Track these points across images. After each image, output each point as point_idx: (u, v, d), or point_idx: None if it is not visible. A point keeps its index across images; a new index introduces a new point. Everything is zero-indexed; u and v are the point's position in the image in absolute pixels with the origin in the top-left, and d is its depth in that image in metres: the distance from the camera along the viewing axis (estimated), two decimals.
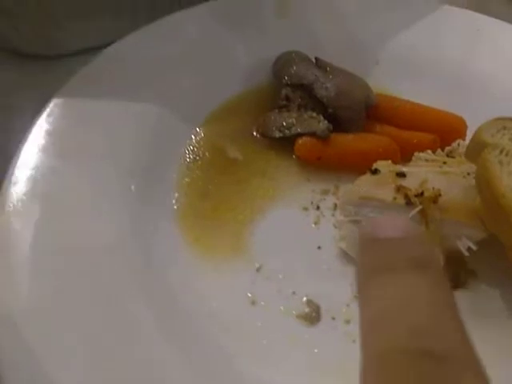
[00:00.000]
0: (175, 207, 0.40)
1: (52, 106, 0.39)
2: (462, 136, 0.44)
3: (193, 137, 0.44)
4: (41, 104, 0.42)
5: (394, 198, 0.36)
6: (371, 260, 0.18)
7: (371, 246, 0.18)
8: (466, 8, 0.58)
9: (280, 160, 0.44)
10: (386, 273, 0.17)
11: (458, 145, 0.42)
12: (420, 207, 0.35)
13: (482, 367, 0.16)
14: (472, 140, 0.34)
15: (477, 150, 0.32)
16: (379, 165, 0.39)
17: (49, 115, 0.39)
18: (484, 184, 0.31)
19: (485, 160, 0.31)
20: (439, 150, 0.42)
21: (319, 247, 0.38)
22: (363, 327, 0.17)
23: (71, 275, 0.33)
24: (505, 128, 0.32)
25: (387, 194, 0.37)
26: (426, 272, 0.17)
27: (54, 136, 0.38)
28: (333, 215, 0.41)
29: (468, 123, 0.45)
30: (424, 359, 0.15)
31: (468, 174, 0.38)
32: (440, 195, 0.35)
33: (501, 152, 0.31)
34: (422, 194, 0.35)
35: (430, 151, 0.42)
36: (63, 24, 0.48)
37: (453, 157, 0.41)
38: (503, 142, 0.32)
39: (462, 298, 0.37)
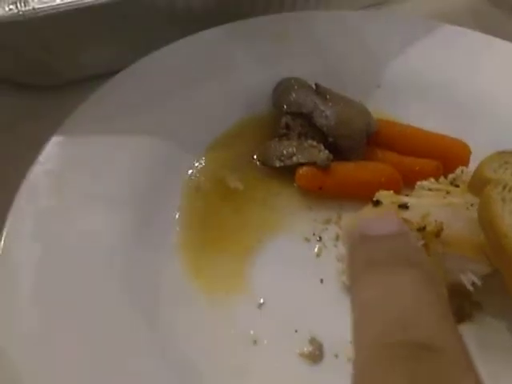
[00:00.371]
0: (175, 240, 0.39)
1: (51, 146, 0.40)
2: (466, 162, 0.43)
3: (193, 167, 0.44)
4: (42, 135, 0.43)
5: None
6: (362, 256, 0.19)
7: (362, 242, 0.19)
8: (472, 25, 0.59)
9: (281, 188, 0.44)
10: (376, 269, 0.18)
11: (462, 172, 0.42)
12: (422, 242, 0.34)
13: (471, 361, 0.16)
14: (474, 174, 0.33)
15: (479, 185, 0.32)
16: (381, 195, 0.39)
17: (48, 155, 0.39)
18: (486, 222, 0.30)
19: (487, 197, 0.30)
20: (442, 178, 0.41)
21: (322, 280, 0.38)
22: (354, 322, 0.18)
23: (70, 308, 0.34)
24: (507, 162, 0.32)
25: None
26: (414, 269, 0.17)
27: (54, 175, 0.38)
28: (335, 246, 0.40)
29: (472, 149, 0.44)
30: (402, 350, 0.16)
31: (471, 205, 0.37)
32: (442, 229, 0.34)
33: (503, 188, 0.30)
34: (424, 228, 0.35)
35: (433, 179, 0.41)
36: (62, 54, 0.48)
37: (456, 185, 0.40)
38: (506, 177, 0.31)
39: (467, 331, 0.36)
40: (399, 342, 0.16)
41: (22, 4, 0.38)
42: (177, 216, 0.41)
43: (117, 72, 0.46)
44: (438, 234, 0.34)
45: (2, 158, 0.47)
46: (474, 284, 0.34)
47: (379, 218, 0.21)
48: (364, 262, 0.18)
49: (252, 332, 0.35)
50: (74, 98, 0.47)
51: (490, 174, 0.32)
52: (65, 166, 0.40)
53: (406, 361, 0.15)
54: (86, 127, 0.42)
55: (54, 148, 0.40)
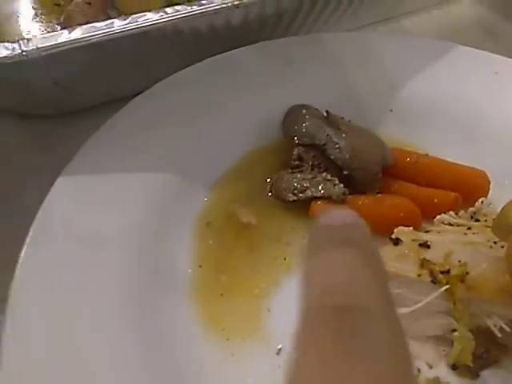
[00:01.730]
0: (187, 283, 0.38)
1: (57, 186, 0.38)
2: (485, 193, 0.42)
3: (203, 203, 0.43)
4: (51, 168, 0.41)
5: (419, 275, 0.34)
6: (313, 241, 0.20)
7: (320, 231, 0.21)
8: (482, 39, 0.57)
9: (295, 222, 0.43)
10: (321, 250, 0.20)
11: (482, 203, 0.41)
12: (447, 286, 0.33)
13: (398, 321, 0.18)
14: (499, 217, 0.32)
15: (505, 230, 0.31)
16: (400, 233, 0.38)
17: (55, 196, 0.38)
18: None
19: None
20: (462, 212, 0.40)
21: None
22: (300, 295, 0.19)
23: (81, 362, 0.32)
24: None
25: (411, 269, 0.35)
26: (360, 248, 0.19)
27: (62, 218, 0.37)
28: None
29: (490, 177, 0.43)
30: (336, 312, 0.17)
31: (495, 242, 0.36)
32: (467, 273, 0.33)
33: None
34: (448, 271, 0.34)
35: (452, 213, 0.40)
36: (73, 88, 0.47)
37: (477, 219, 0.39)
38: None
39: (494, 376, 0.35)
40: (329, 307, 0.17)
41: (26, 42, 0.37)
42: (188, 256, 0.40)
43: (122, 100, 0.45)
44: (463, 277, 0.33)
45: (3, 190, 0.46)
46: (501, 328, 0.33)
47: (336, 211, 0.22)
48: (313, 246, 0.20)
49: (271, 381, 0.34)
50: (78, 128, 0.46)
51: None
52: (73, 207, 0.39)
53: (331, 324, 0.17)
54: (93, 165, 0.40)
55: (61, 188, 0.39)
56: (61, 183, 0.39)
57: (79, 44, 0.37)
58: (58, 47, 0.37)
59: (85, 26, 0.38)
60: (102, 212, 0.38)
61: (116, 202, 0.39)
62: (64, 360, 0.32)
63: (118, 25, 0.38)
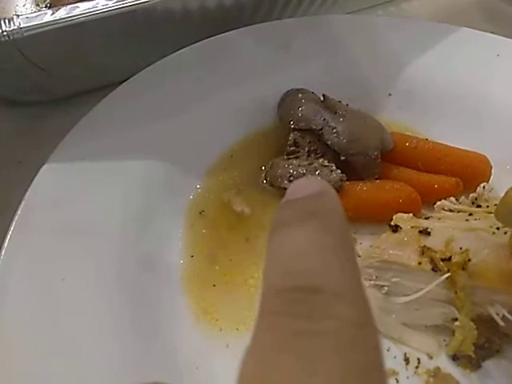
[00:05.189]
0: (180, 274, 0.37)
1: (43, 173, 0.37)
2: (487, 178, 0.40)
3: (195, 191, 0.41)
4: (37, 155, 0.40)
5: (419, 263, 0.33)
6: (277, 218, 0.19)
7: (283, 205, 0.20)
8: (483, 24, 0.55)
9: None
10: (282, 228, 0.18)
11: (483, 188, 0.39)
12: (448, 274, 0.32)
13: (362, 297, 0.17)
14: (502, 203, 0.30)
15: (509, 215, 0.29)
16: (399, 220, 0.36)
17: (41, 184, 0.36)
18: None
19: None
20: (463, 198, 0.38)
21: None
22: (262, 277, 0.18)
23: (70, 353, 0.31)
24: None
25: (411, 257, 0.34)
26: (315, 219, 0.18)
27: (48, 207, 0.36)
28: None
29: (492, 162, 0.41)
30: (294, 294, 0.16)
31: (497, 228, 0.34)
32: (469, 260, 0.32)
33: None
34: (449, 258, 0.32)
35: (453, 199, 0.39)
36: (56, 72, 0.45)
37: (479, 205, 0.38)
38: None
39: (497, 365, 0.34)
40: (290, 288, 0.17)
41: (7, 23, 0.35)
42: (180, 246, 0.38)
43: (110, 86, 0.43)
44: (464, 265, 0.32)
45: None
46: (504, 317, 0.32)
47: (302, 182, 0.20)
48: (277, 223, 0.19)
49: None
50: (65, 115, 0.44)
51: None
52: (60, 195, 0.37)
53: (290, 304, 0.16)
54: (80, 152, 0.39)
55: (47, 176, 0.37)
56: (46, 171, 0.37)
57: (63, 24, 0.35)
58: (42, 27, 0.35)
59: (69, 6, 0.36)
60: (89, 200, 0.37)
61: (104, 191, 0.38)
62: (52, 352, 0.31)
63: (102, 4, 0.36)
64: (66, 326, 0.32)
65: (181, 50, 0.45)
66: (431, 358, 0.34)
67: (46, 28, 0.35)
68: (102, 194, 0.37)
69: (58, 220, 0.35)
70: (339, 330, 0.15)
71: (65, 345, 0.32)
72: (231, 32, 0.47)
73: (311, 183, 0.20)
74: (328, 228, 0.18)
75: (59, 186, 0.37)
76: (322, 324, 0.16)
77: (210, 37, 0.47)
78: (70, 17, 0.35)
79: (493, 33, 0.48)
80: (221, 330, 0.35)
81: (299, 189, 0.20)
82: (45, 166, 0.37)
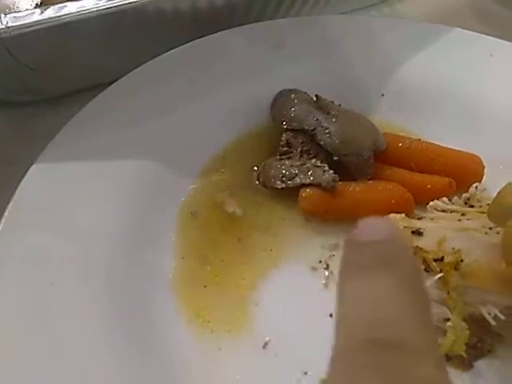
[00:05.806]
0: (171, 276, 0.36)
1: (32, 174, 0.36)
2: (480, 178, 0.40)
3: (188, 192, 0.41)
4: (26, 156, 0.39)
5: None
6: (349, 260, 0.19)
7: (354, 247, 0.19)
8: (476, 25, 0.56)
9: (284, 212, 0.41)
10: (359, 272, 0.19)
11: (476, 189, 0.39)
12: (440, 274, 0.32)
13: (441, 358, 0.18)
14: (494, 202, 0.30)
15: (502, 215, 0.29)
16: (392, 220, 0.36)
17: (29, 184, 0.36)
18: None
19: None
20: (456, 198, 0.38)
21: (331, 315, 0.35)
22: (335, 323, 0.18)
23: (57, 351, 0.31)
24: None
25: None
26: (393, 270, 0.18)
27: (36, 207, 0.35)
28: None
29: (485, 162, 0.41)
30: (376, 348, 0.16)
31: (490, 228, 0.34)
32: (462, 260, 0.32)
33: None
34: (441, 259, 0.32)
35: (446, 199, 0.38)
36: (46, 72, 0.44)
37: (471, 205, 0.38)
38: None
39: (488, 365, 0.34)
40: (373, 339, 0.17)
41: None
42: (172, 247, 0.38)
43: (101, 86, 0.43)
44: (457, 265, 0.32)
45: None
46: (495, 316, 0.32)
47: (369, 224, 0.20)
48: (350, 265, 0.19)
49: (257, 375, 0.33)
50: (56, 115, 0.44)
51: None
52: (49, 196, 0.37)
53: (373, 356, 0.16)
54: (69, 152, 0.38)
55: (35, 176, 0.37)
56: (35, 171, 0.37)
57: (51, 24, 0.35)
58: (30, 26, 0.35)
59: (57, 6, 0.35)
60: (79, 201, 0.36)
61: (93, 192, 0.37)
62: (42, 357, 0.30)
63: (92, 4, 0.36)
64: (57, 329, 0.32)
65: (172, 50, 0.44)
66: None
67: (34, 27, 0.35)
68: (92, 196, 0.37)
69: (47, 221, 0.35)
70: None
71: (55, 348, 0.31)
72: (223, 32, 0.47)
73: (383, 225, 0.20)
74: (409, 279, 0.18)
75: (48, 187, 0.36)
76: (404, 382, 0.16)
77: (201, 37, 0.46)
78: (59, 16, 0.35)
79: (486, 34, 0.49)
80: (212, 331, 0.34)
81: (371, 229, 0.19)
82: (33, 167, 0.37)
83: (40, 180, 0.37)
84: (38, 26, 0.35)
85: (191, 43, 0.46)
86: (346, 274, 0.19)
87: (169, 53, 0.45)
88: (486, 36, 0.47)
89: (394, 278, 0.18)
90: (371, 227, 0.20)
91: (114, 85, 0.42)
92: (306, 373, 0.33)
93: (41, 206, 0.35)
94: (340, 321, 0.18)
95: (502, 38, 0.47)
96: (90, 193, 0.37)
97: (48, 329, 0.32)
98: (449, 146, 0.42)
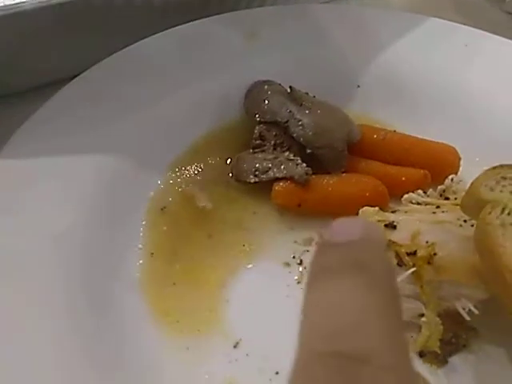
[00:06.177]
0: (138, 274, 0.35)
1: None
2: (456, 169, 0.40)
3: (158, 186, 0.40)
4: None
5: None
6: (317, 263, 0.18)
7: (324, 249, 0.18)
8: (453, 15, 0.55)
9: (257, 206, 0.40)
10: (326, 276, 0.18)
11: (452, 180, 0.38)
12: (413, 269, 0.31)
13: (409, 371, 0.16)
14: (468, 194, 0.30)
15: (474, 207, 0.28)
16: (365, 213, 0.35)
17: None
18: (486, 251, 0.27)
19: (485, 223, 0.27)
20: (431, 190, 0.38)
21: None
22: (299, 329, 0.17)
23: (26, 348, 0.29)
24: (504, 178, 0.28)
25: None
26: (361, 273, 0.17)
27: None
28: None
29: (461, 153, 0.41)
30: (338, 362, 0.15)
31: (465, 221, 0.34)
32: (435, 254, 0.31)
33: (502, 211, 0.27)
34: (415, 252, 0.31)
35: (421, 191, 0.38)
36: (9, 64, 0.43)
37: (447, 197, 0.37)
38: (504, 196, 0.28)
39: (463, 361, 0.33)
40: (333, 353, 0.15)
41: None
42: (140, 245, 0.36)
43: (66, 80, 0.41)
44: (430, 259, 0.31)
45: None
46: (469, 311, 0.31)
47: (342, 224, 0.19)
48: (318, 269, 0.18)
49: (228, 376, 0.31)
50: (22, 110, 0.42)
51: (486, 194, 0.28)
52: (9, 194, 0.35)
53: (334, 372, 0.15)
54: (31, 147, 0.37)
55: None
56: None
57: (9, 12, 0.33)
58: None
59: None
60: (39, 199, 0.34)
61: (56, 189, 0.36)
62: (8, 356, 0.29)
63: None
64: (23, 328, 0.30)
65: (141, 41, 0.43)
66: None
67: None
68: (53, 193, 0.35)
69: (5, 219, 0.33)
70: None
71: (22, 347, 0.30)
72: (196, 22, 0.45)
73: (356, 225, 0.19)
74: (378, 285, 0.17)
75: (8, 185, 0.35)
76: None
77: (173, 27, 0.45)
78: (16, 4, 0.33)
79: (462, 24, 0.48)
80: (181, 331, 0.33)
81: (342, 230, 0.18)
82: None
83: (3, 175, 0.35)
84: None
85: (162, 33, 0.44)
86: (313, 278, 0.18)
87: (138, 43, 0.43)
88: (461, 26, 0.46)
89: (359, 282, 0.17)
90: (344, 227, 0.19)
91: (77, 78, 0.40)
92: (277, 373, 0.31)
93: (3, 200, 0.34)
94: (300, 331, 0.17)
95: (477, 28, 0.46)
96: (51, 190, 0.35)
97: (13, 328, 0.30)
98: (424, 138, 0.42)
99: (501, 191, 0.28)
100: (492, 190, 0.28)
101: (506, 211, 0.27)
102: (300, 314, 0.18)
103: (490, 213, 0.27)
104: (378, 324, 0.16)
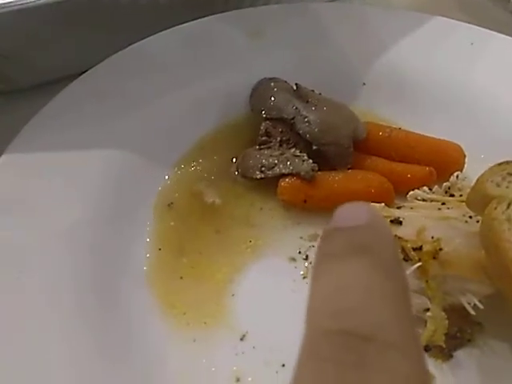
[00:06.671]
0: (146, 267, 0.36)
1: (3, 162, 0.35)
2: (461, 166, 0.40)
3: (165, 182, 0.40)
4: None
5: None
6: (324, 247, 0.18)
7: (331, 234, 0.18)
8: (458, 14, 0.55)
9: (263, 202, 0.40)
10: (332, 259, 0.18)
11: (457, 177, 0.39)
12: (419, 264, 0.31)
13: (416, 348, 0.16)
14: (474, 189, 0.30)
15: (480, 202, 0.29)
16: None
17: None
18: (491, 246, 0.27)
19: (491, 218, 0.27)
20: (436, 187, 0.38)
21: None
22: (307, 311, 0.17)
23: (29, 347, 0.30)
24: (510, 175, 0.29)
25: None
26: (367, 257, 0.17)
27: (4, 199, 0.34)
28: None
29: (466, 151, 0.41)
30: (343, 339, 0.15)
31: (470, 217, 0.34)
32: (441, 249, 0.31)
33: (508, 206, 0.27)
34: (420, 248, 0.32)
35: (426, 188, 0.38)
36: (18, 58, 0.43)
37: (452, 194, 0.37)
38: (510, 192, 0.28)
39: (467, 357, 0.33)
40: (338, 331, 0.16)
41: None
42: (148, 239, 0.37)
43: (74, 77, 0.41)
44: (435, 254, 0.31)
45: None
46: (475, 306, 0.32)
47: (347, 209, 0.19)
48: (324, 253, 0.18)
49: (235, 368, 0.32)
50: (27, 106, 0.42)
51: (492, 190, 0.28)
52: (17, 189, 0.35)
53: (340, 349, 0.15)
54: (39, 142, 0.37)
55: (2, 170, 0.36)
56: (2, 165, 0.35)
57: (13, 8, 0.33)
58: None
59: None
60: (49, 195, 0.35)
61: (65, 184, 0.36)
62: (16, 351, 0.29)
63: None
64: (29, 319, 0.31)
65: (147, 38, 0.43)
66: None
67: (1, 10, 0.33)
68: (62, 188, 0.35)
69: (15, 213, 0.34)
70: None
71: (30, 338, 0.30)
72: (201, 20, 0.46)
73: (360, 210, 0.18)
74: (382, 265, 0.17)
75: (16, 180, 0.35)
76: (372, 377, 0.14)
77: (178, 25, 0.45)
78: (17, 2, 0.33)
79: (467, 22, 0.48)
80: (188, 324, 0.33)
81: (347, 215, 0.18)
82: (3, 157, 0.36)
83: (7, 173, 0.35)
84: (5, 9, 0.33)
85: (168, 31, 0.45)
86: (319, 262, 0.18)
87: (144, 41, 0.43)
88: (466, 24, 0.46)
89: (366, 265, 0.17)
90: (349, 213, 0.19)
91: (84, 75, 0.41)
92: (283, 365, 0.32)
93: (8, 198, 0.34)
94: (307, 311, 0.17)
95: (482, 27, 0.46)
96: (58, 185, 0.36)
97: (20, 324, 0.31)
98: (430, 135, 0.42)
99: (507, 187, 0.28)
100: (498, 185, 0.28)
101: None
102: (309, 293, 0.18)
103: (495, 208, 0.27)
104: (384, 302, 0.16)
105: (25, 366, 0.29)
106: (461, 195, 0.37)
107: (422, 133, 0.42)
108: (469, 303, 0.32)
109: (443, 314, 0.32)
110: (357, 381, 0.14)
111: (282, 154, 0.39)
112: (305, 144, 0.40)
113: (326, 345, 0.16)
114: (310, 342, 0.16)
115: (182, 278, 0.35)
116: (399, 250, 0.32)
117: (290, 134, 0.40)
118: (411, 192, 0.38)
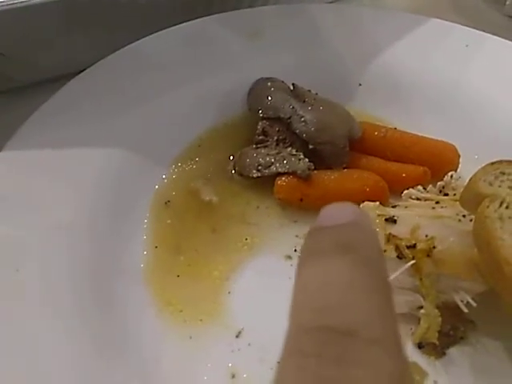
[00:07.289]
0: (143, 265, 0.36)
1: (1, 159, 0.35)
2: (455, 166, 0.41)
3: (162, 180, 0.40)
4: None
5: (384, 250, 0.33)
6: (309, 245, 0.19)
7: (314, 233, 0.19)
8: (453, 16, 0.56)
9: (260, 201, 0.41)
10: (316, 257, 0.18)
11: (451, 177, 0.39)
12: (413, 261, 0.32)
13: (397, 344, 0.16)
14: (467, 188, 0.30)
15: (473, 201, 0.29)
16: (366, 208, 0.36)
17: None
18: (484, 244, 0.28)
19: (483, 216, 0.27)
20: (431, 186, 0.38)
21: None
22: (290, 307, 0.17)
23: (27, 345, 0.30)
24: (503, 174, 0.29)
25: None
26: (350, 254, 0.17)
27: (3, 196, 0.34)
28: None
29: (460, 151, 0.42)
30: (325, 335, 0.16)
31: (464, 216, 0.34)
32: (434, 246, 0.32)
33: (500, 205, 0.28)
34: (414, 245, 0.32)
35: (421, 187, 0.38)
36: (16, 57, 0.43)
37: (446, 194, 0.38)
38: (502, 191, 0.28)
39: (460, 354, 0.34)
40: (320, 327, 0.16)
41: None
42: (144, 237, 0.37)
43: (73, 75, 0.42)
44: (429, 252, 0.32)
45: None
46: (468, 303, 0.32)
47: (332, 209, 0.20)
48: (308, 251, 0.19)
49: (230, 365, 0.32)
50: (26, 104, 0.42)
51: (485, 189, 0.29)
52: (14, 185, 0.35)
53: (322, 346, 0.15)
54: (37, 139, 0.37)
55: (3, 163, 0.36)
56: (2, 158, 0.35)
57: (14, 6, 0.33)
58: None
59: None
60: (46, 192, 0.35)
61: (62, 181, 0.36)
62: (13, 347, 0.30)
63: None
64: (26, 317, 0.31)
65: (145, 38, 0.44)
66: None
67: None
68: (60, 185, 0.36)
69: (12, 210, 0.34)
70: (371, 381, 0.14)
71: (25, 337, 0.30)
72: (199, 20, 0.46)
73: (345, 209, 0.19)
74: (366, 263, 0.17)
75: (14, 176, 0.35)
76: (353, 373, 0.15)
77: (177, 25, 0.46)
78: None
79: (462, 24, 0.49)
80: (184, 321, 0.34)
81: (332, 215, 0.19)
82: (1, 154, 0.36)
83: (5, 169, 0.36)
84: (4, 8, 0.33)
85: (166, 30, 0.45)
86: (303, 260, 0.18)
87: (142, 40, 0.44)
88: (462, 26, 0.47)
89: (349, 263, 0.17)
90: (335, 212, 0.19)
91: (83, 73, 0.41)
92: (279, 362, 0.32)
93: (6, 194, 0.34)
94: (291, 307, 0.17)
95: (477, 29, 0.47)
96: (56, 182, 0.36)
97: (16, 321, 0.31)
98: (424, 135, 0.42)
99: (499, 186, 0.29)
100: (491, 184, 0.29)
101: (504, 205, 0.28)
102: (293, 291, 0.18)
103: (488, 206, 0.28)
104: (365, 298, 0.16)
105: (20, 363, 0.29)
106: (455, 194, 0.38)
107: (416, 133, 0.43)
108: (462, 301, 0.32)
109: (436, 311, 0.32)
110: (338, 376, 0.15)
111: (278, 153, 0.40)
112: (301, 143, 0.40)
113: (309, 341, 0.16)
114: (293, 338, 0.16)
115: (178, 275, 0.35)
116: (393, 249, 0.33)
117: (287, 133, 0.41)
118: (406, 191, 0.38)
